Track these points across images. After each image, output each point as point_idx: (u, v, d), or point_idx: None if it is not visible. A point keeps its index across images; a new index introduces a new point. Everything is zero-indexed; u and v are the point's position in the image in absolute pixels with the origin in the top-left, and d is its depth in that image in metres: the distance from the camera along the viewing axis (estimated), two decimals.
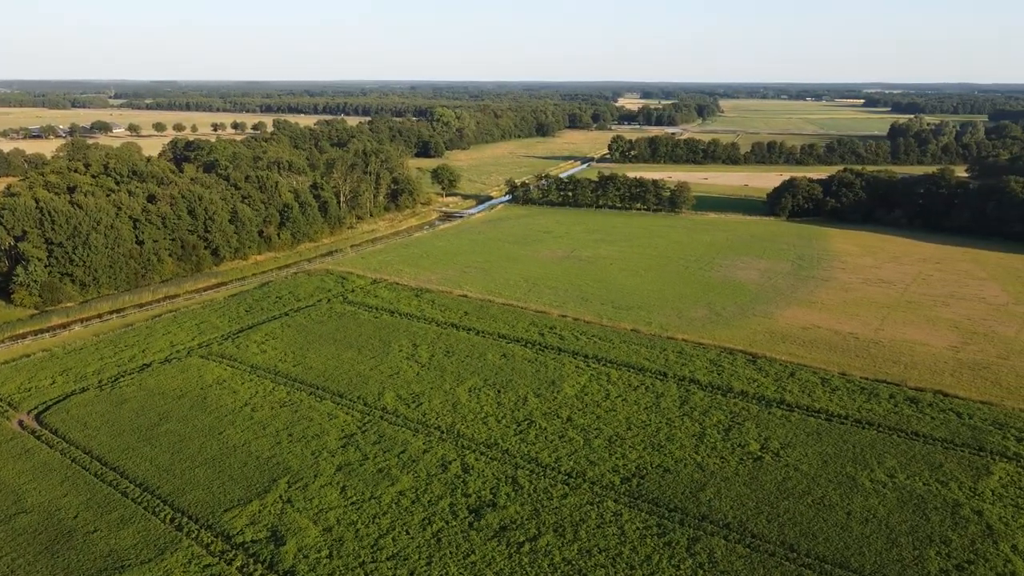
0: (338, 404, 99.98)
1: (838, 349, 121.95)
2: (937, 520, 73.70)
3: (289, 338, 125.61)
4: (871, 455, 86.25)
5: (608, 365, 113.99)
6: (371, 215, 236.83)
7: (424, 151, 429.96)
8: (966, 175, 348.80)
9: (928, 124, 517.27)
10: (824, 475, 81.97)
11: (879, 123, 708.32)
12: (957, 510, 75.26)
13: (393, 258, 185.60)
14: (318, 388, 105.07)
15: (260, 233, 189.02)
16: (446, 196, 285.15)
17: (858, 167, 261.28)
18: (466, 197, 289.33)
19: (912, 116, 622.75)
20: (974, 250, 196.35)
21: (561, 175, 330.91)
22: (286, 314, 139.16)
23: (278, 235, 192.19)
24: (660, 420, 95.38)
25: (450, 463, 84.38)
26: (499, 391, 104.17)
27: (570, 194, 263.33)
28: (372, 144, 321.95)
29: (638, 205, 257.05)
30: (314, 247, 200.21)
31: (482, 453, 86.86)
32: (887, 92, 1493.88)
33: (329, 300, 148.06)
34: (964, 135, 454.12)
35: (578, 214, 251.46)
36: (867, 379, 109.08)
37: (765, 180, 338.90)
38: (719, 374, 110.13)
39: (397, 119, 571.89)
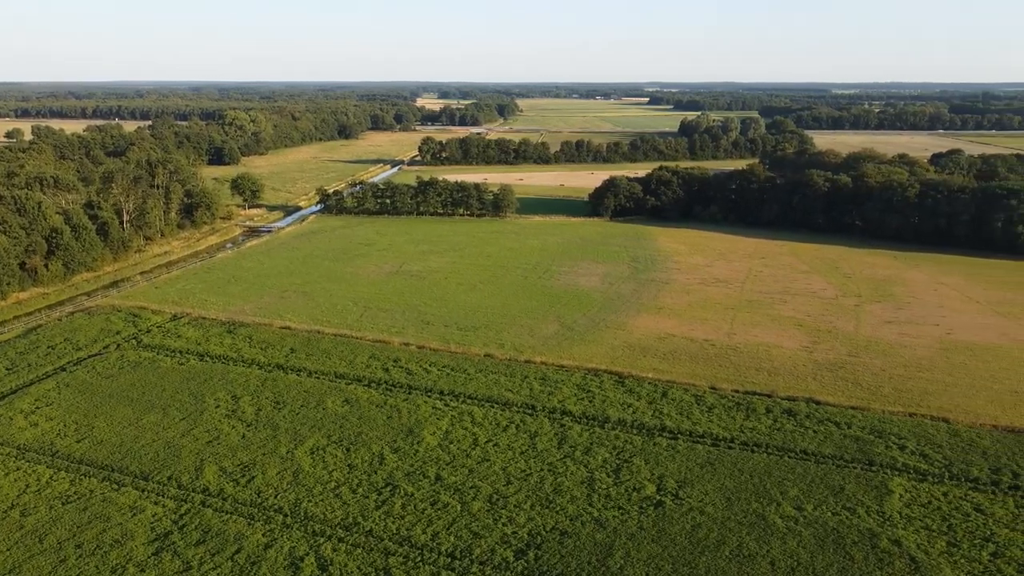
0: (143, 491, 78.59)
1: (700, 359, 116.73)
2: (861, 558, 67.42)
3: (70, 402, 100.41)
4: (771, 484, 79.50)
5: (469, 402, 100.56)
6: (163, 235, 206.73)
7: (218, 158, 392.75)
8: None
9: (714, 121, 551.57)
10: (732, 517, 73.75)
11: (667, 120, 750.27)
12: (876, 543, 69.55)
13: (195, 285, 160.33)
14: (114, 470, 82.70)
15: (22, 266, 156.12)
16: (249, 208, 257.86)
17: (672, 164, 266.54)
18: (272, 208, 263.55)
19: (699, 113, 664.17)
20: (789, 243, 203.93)
21: (373, 180, 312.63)
22: (63, 369, 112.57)
23: (46, 266, 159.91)
24: (542, 467, 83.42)
25: (302, 560, 67.12)
26: (348, 449, 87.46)
27: (388, 201, 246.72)
28: (157, 152, 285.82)
29: (461, 210, 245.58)
30: (94, 278, 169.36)
31: (340, 540, 70.24)
32: (665, 91, 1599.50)
33: (119, 345, 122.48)
34: (748, 130, 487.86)
35: (399, 223, 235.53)
36: (738, 392, 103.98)
37: (579, 179, 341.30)
38: (590, 401, 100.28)
39: (182, 123, 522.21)
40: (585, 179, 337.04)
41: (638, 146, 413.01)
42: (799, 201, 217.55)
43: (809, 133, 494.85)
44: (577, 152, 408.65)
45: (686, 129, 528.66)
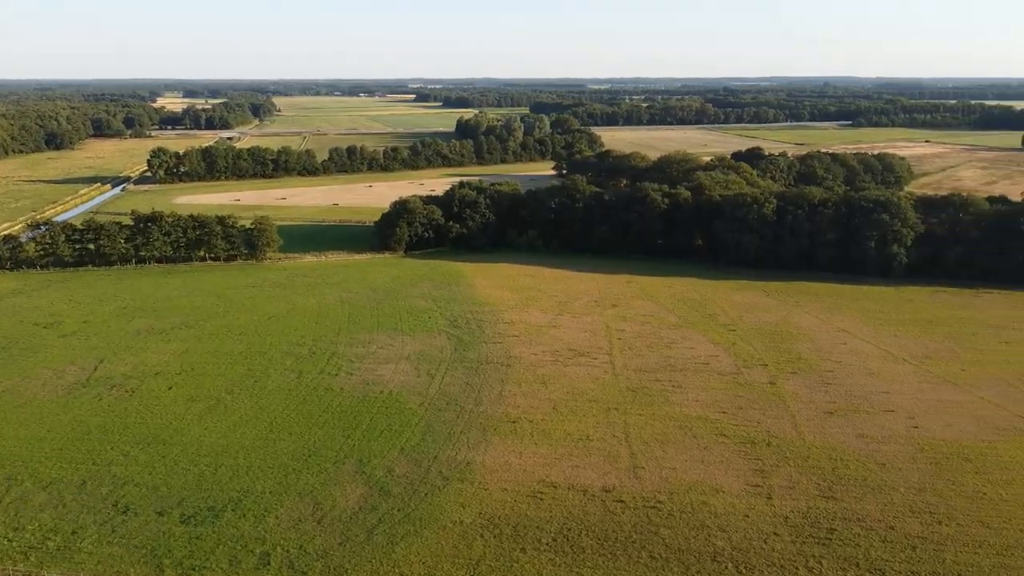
0: None
1: (616, 547, 69.04)
2: None
3: None
4: None
5: None
6: None
7: None
8: (554, 172, 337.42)
9: (495, 120, 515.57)
10: None
11: (441, 119, 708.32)
12: None
13: None
14: None
15: None
16: None
17: (461, 170, 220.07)
18: None
19: (477, 111, 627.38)
20: (634, 276, 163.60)
21: (77, 211, 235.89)
22: None
23: None
24: None
25: None
26: None
27: (92, 246, 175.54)
28: None
29: (201, 253, 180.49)
30: None
31: None
32: (431, 87, 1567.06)
33: None
34: (534, 130, 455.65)
35: (108, 278, 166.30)
36: None
37: (356, 194, 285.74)
38: None
39: None
40: (364, 194, 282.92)
41: (419, 151, 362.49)
42: (636, 221, 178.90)
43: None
44: (350, 160, 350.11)
45: (465, 129, 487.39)
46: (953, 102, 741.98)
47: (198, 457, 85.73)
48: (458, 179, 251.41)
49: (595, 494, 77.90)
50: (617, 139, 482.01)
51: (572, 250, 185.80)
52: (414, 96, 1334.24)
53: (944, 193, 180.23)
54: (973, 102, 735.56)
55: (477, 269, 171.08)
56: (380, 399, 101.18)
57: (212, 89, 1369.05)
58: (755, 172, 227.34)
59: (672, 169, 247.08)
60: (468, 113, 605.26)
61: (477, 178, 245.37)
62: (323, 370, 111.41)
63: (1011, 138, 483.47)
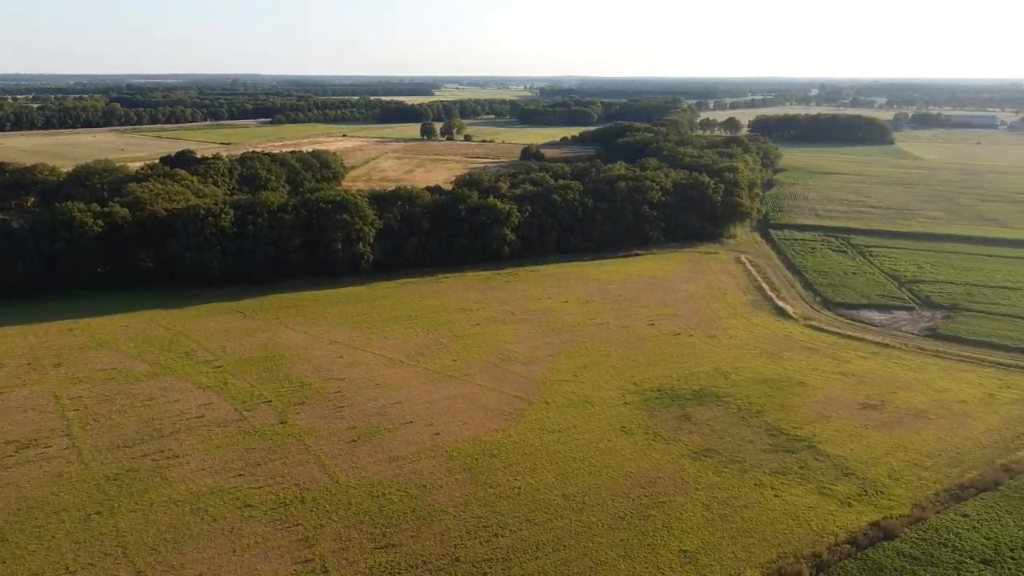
0: None
1: None
2: None
3: None
4: None
5: None
6: None
7: None
8: None
9: None
10: None
11: None
12: None
13: None
14: None
15: None
16: None
17: None
18: None
19: None
20: (79, 320, 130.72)
21: None
22: None
23: None
24: None
25: None
26: None
27: None
28: None
29: None
30: None
31: None
32: None
33: None
34: None
35: None
36: None
37: None
38: None
39: None
40: None
41: None
42: (64, 251, 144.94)
43: None
44: None
45: None
46: (357, 98, 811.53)
47: None
48: None
49: None
50: (9, 147, 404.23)
51: None
52: None
53: (391, 187, 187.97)
54: (373, 98, 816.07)
55: None
56: None
57: None
58: (196, 179, 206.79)
59: (95, 181, 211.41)
60: None
61: None
62: None
63: (411, 129, 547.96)
